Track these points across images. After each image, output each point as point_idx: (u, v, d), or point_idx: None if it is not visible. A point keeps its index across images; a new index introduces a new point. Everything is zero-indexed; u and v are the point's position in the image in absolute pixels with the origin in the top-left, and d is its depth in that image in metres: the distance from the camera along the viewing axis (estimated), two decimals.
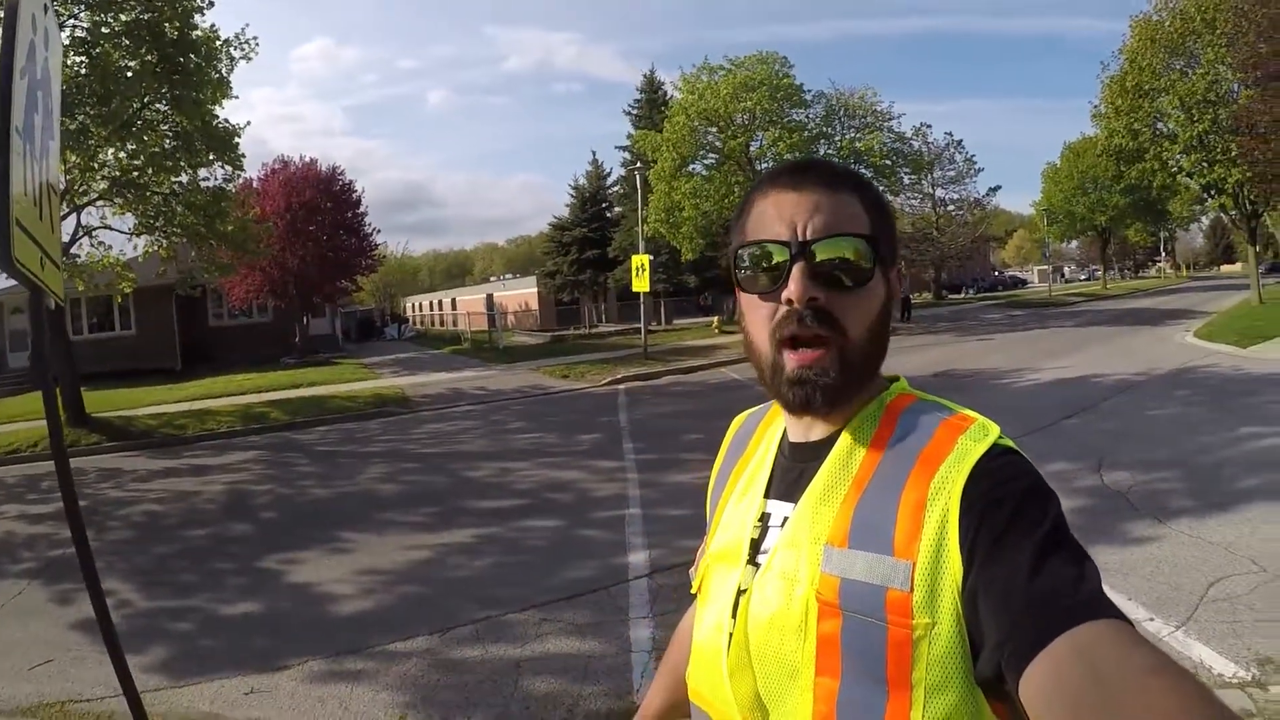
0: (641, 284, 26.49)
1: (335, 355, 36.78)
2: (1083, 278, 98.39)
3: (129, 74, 15.77)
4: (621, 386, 20.98)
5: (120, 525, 10.10)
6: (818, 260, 1.14)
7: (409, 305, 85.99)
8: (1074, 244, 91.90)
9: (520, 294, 60.53)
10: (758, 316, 1.20)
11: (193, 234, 18.94)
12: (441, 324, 67.89)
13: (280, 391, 22.81)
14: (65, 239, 17.70)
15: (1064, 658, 0.85)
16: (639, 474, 10.62)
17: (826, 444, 1.20)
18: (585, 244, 54.83)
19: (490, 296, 60.37)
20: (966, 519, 1.01)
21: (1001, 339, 26.33)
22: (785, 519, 1.21)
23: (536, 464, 11.94)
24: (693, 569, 1.44)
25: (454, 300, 71.21)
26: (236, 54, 18.27)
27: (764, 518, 1.26)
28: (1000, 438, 1.10)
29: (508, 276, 77.93)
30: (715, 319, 41.83)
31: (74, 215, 17.97)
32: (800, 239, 1.14)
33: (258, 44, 18.57)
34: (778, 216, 1.17)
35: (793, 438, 1.28)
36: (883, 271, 1.19)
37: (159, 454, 15.27)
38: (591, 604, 6.39)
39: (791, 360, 1.15)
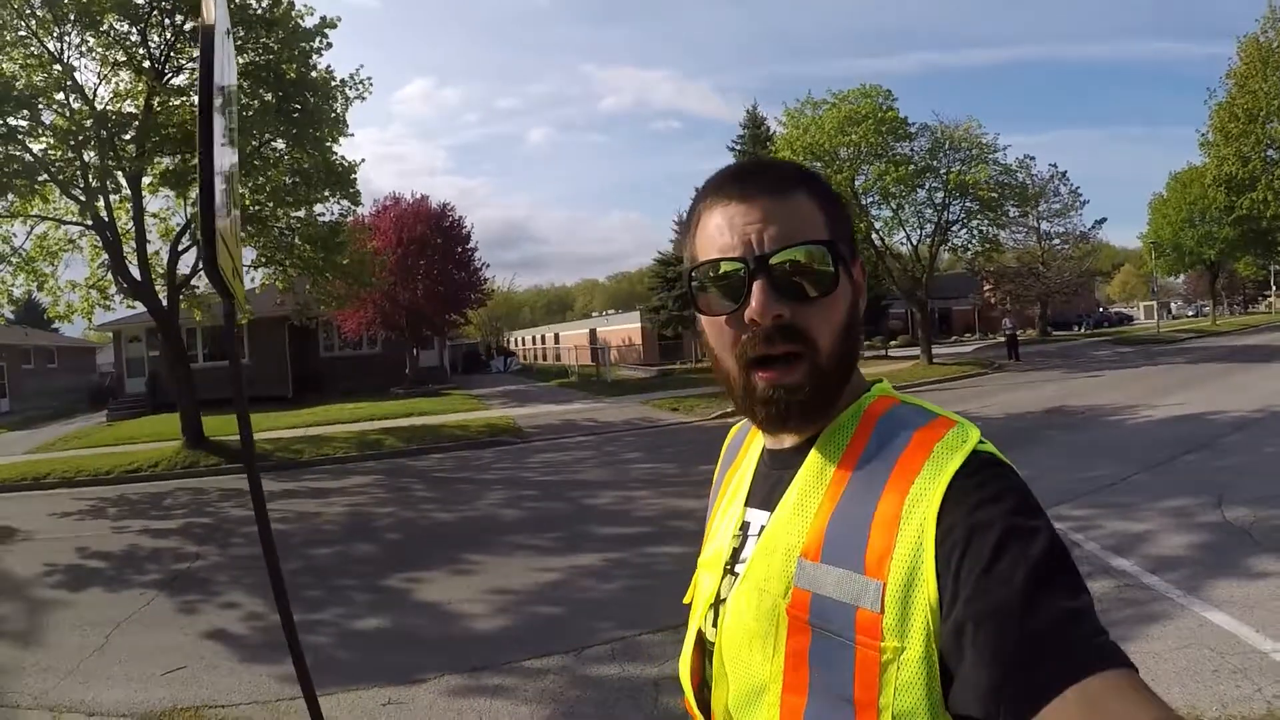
0: None
1: (444, 386, 37.21)
2: (1190, 313, 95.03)
3: (248, 113, 16.20)
4: (732, 420, 20.44)
5: (244, 542, 10.21)
6: (777, 274, 1.07)
7: (513, 339, 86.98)
8: (1181, 279, 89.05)
9: (623, 329, 60.76)
10: (722, 338, 1.13)
11: (311, 266, 19.46)
12: (545, 358, 68.60)
13: (393, 420, 23.11)
14: (186, 271, 18.27)
15: (1074, 712, 0.79)
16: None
17: (801, 450, 1.15)
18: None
19: (594, 331, 60.92)
20: (946, 543, 0.94)
21: (1112, 376, 25.34)
22: (762, 528, 1.16)
23: (657, 493, 11.81)
24: None
25: (557, 335, 71.96)
26: (351, 94, 18.79)
27: (744, 526, 1.23)
28: (980, 444, 1.02)
29: (610, 312, 78.44)
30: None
31: (195, 248, 18.54)
32: (756, 253, 1.07)
33: (371, 84, 19.06)
34: (729, 230, 1.10)
35: (769, 445, 1.23)
36: (845, 271, 1.12)
37: (277, 476, 15.49)
38: None
39: (762, 380, 1.10)
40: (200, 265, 18.73)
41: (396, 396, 31.72)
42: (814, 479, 1.09)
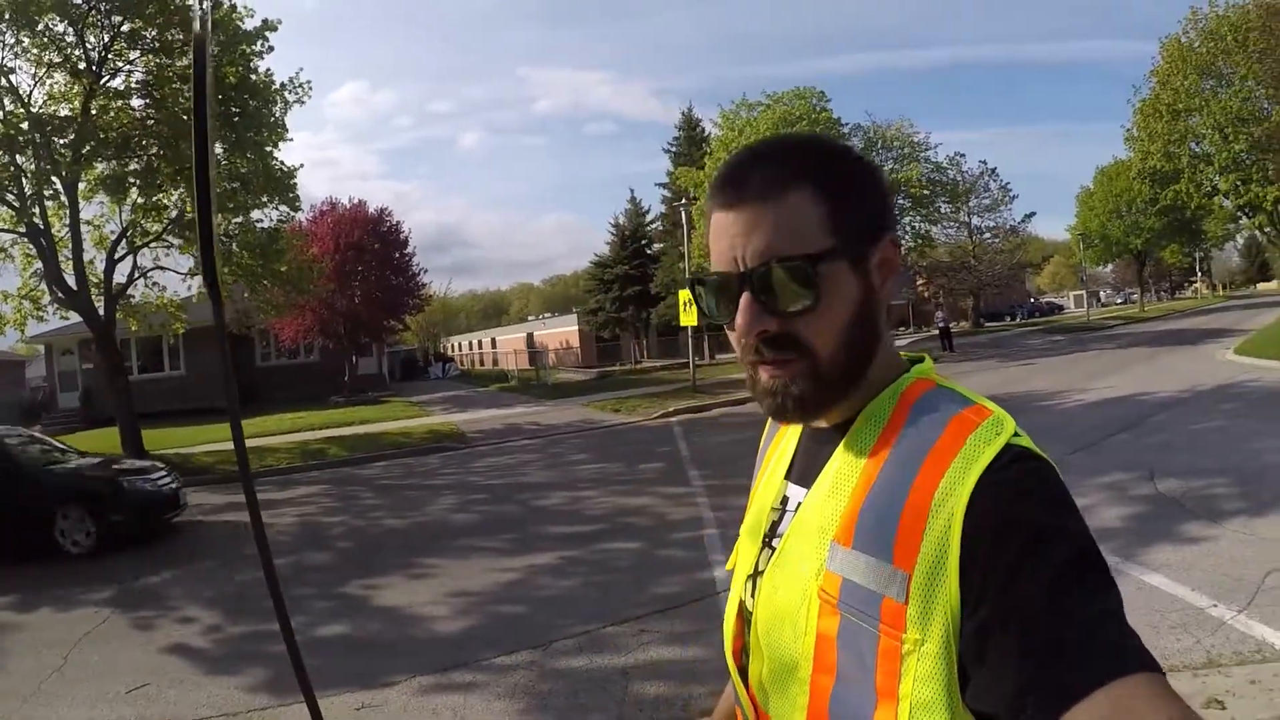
0: (689, 318, 26.40)
1: (383, 394, 37.04)
2: (1119, 301, 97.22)
3: (187, 117, 15.99)
4: (674, 419, 20.81)
5: (195, 556, 10.13)
6: (761, 289, 1.04)
7: (451, 345, 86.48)
8: (1109, 268, 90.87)
9: (560, 332, 60.84)
10: (731, 337, 1.12)
11: (249, 274, 19.19)
12: (483, 363, 68.31)
13: (335, 429, 22.98)
14: (122, 279, 17.98)
15: (1102, 715, 0.79)
16: (709, 498, 10.57)
17: (839, 429, 1.14)
18: (627, 281, 55.02)
19: (531, 335, 60.77)
20: (972, 540, 0.92)
21: (1044, 363, 26.11)
22: (799, 504, 1.17)
23: (605, 492, 11.94)
24: None
25: (494, 340, 71.81)
26: (291, 97, 18.59)
27: (784, 501, 1.23)
28: (1014, 436, 1.00)
29: (546, 315, 78.43)
30: None
31: (131, 256, 18.27)
32: (740, 270, 1.05)
33: (310, 88, 18.89)
34: (721, 240, 1.08)
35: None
36: (852, 265, 1.07)
37: (220, 489, 15.31)
38: (686, 615, 6.37)
39: (764, 373, 1.10)
40: (134, 274, 18.56)
41: (336, 405, 31.56)
42: (849, 462, 1.08)
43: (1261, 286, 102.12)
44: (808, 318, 1.05)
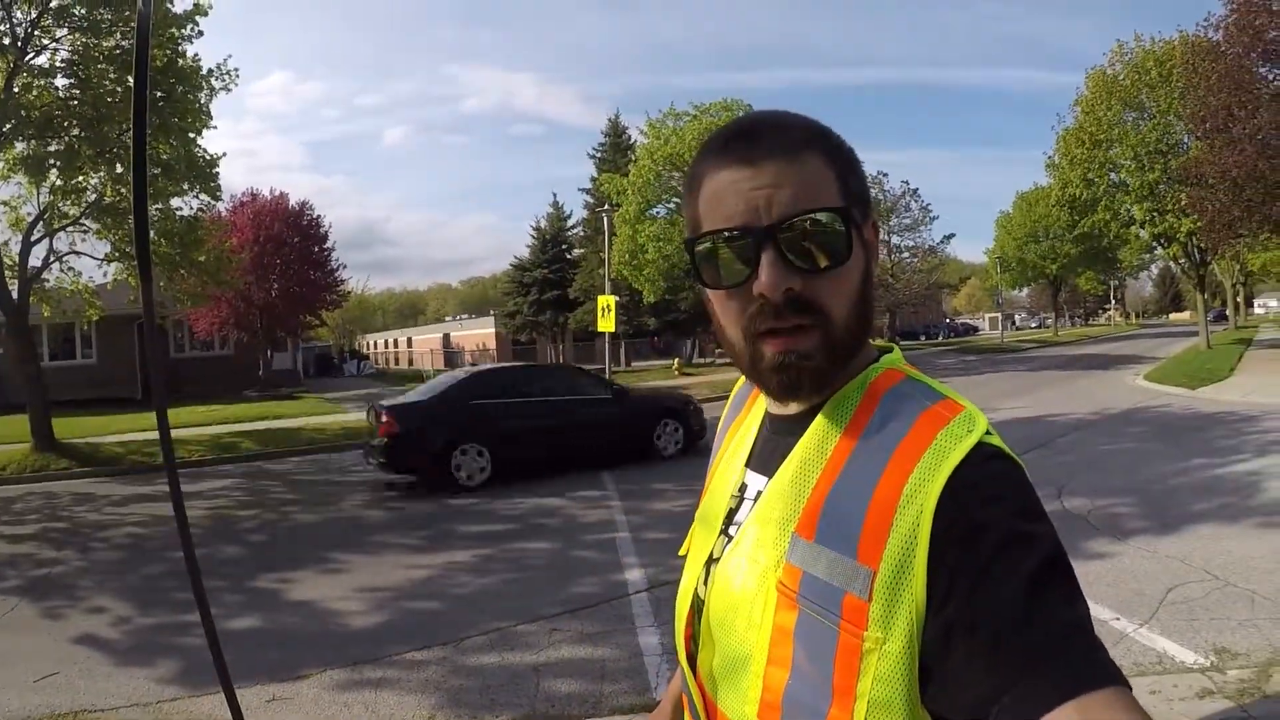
0: (607, 324, 26.59)
1: (297, 390, 36.35)
2: (1033, 325, 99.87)
3: (113, 99, 15.75)
4: None
5: (105, 547, 10.02)
6: (787, 244, 1.00)
7: (366, 343, 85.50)
8: (1025, 292, 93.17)
9: (477, 334, 60.61)
10: (729, 311, 1.06)
11: (167, 262, 18.78)
12: (398, 362, 67.70)
13: (248, 423, 22.67)
14: (37, 263, 17.56)
15: None
16: (622, 501, 10.82)
17: (803, 419, 1.10)
18: (546, 285, 54.93)
19: (448, 335, 60.33)
20: (941, 540, 0.90)
21: (956, 382, 26.49)
22: (759, 493, 1.13)
23: (521, 492, 12.01)
24: None
25: (410, 339, 71.33)
26: (218, 84, 18.25)
27: (742, 488, 1.20)
28: (986, 434, 0.97)
29: (464, 316, 77.98)
30: (676, 360, 42.85)
31: (47, 239, 17.84)
32: (765, 223, 1.00)
33: (238, 75, 18.58)
34: (735, 196, 1.01)
35: (771, 409, 1.20)
36: (859, 236, 1.05)
37: (130, 480, 15.10)
38: (597, 616, 6.52)
39: (771, 347, 1.03)
40: (50, 258, 18.08)
41: (250, 399, 31.11)
42: (814, 452, 1.06)
43: (1174, 316, 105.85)
44: (829, 279, 1.02)
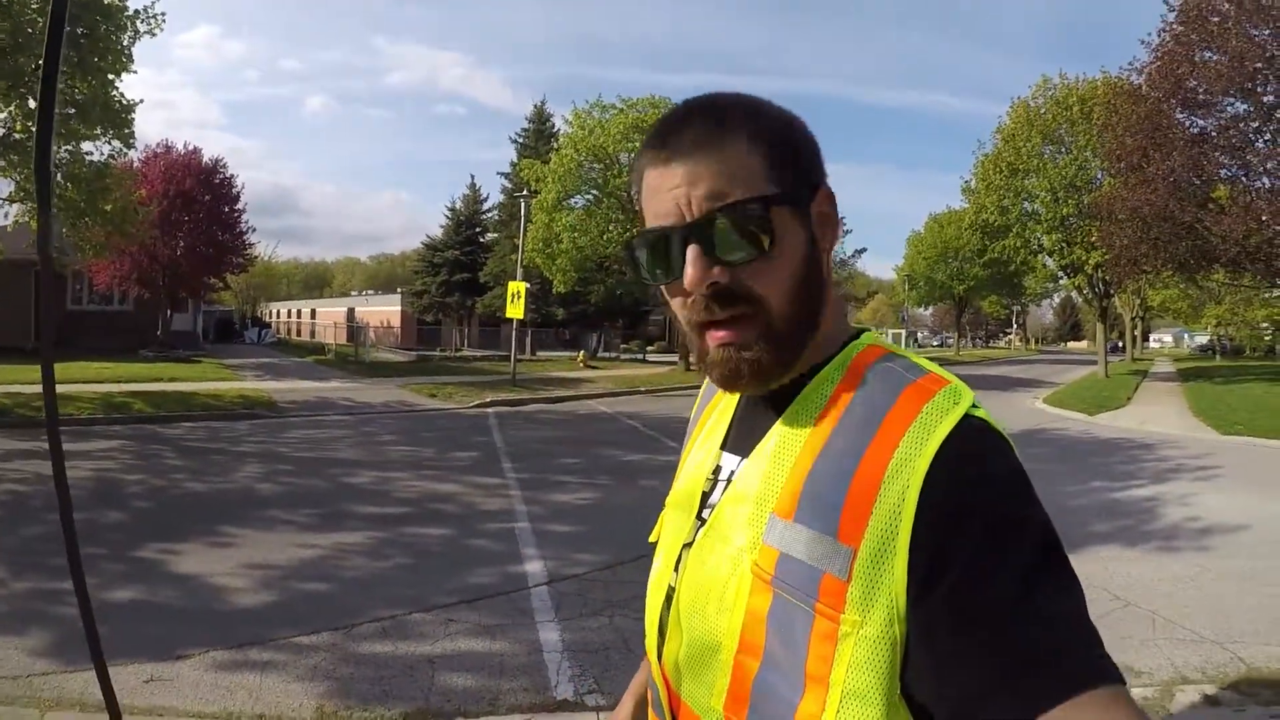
0: (516, 310, 26.56)
1: (195, 353, 35.46)
2: (935, 343, 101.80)
3: (30, 30, 15.11)
4: (490, 410, 20.87)
5: None
6: (708, 238, 1.00)
7: (269, 311, 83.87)
8: (929, 310, 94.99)
9: (382, 310, 59.86)
10: (675, 304, 1.08)
11: (72, 208, 18.17)
12: (300, 333, 66.57)
13: (142, 384, 21.90)
14: None
15: None
16: (521, 491, 10.67)
17: (781, 397, 1.09)
18: (456, 266, 54.58)
19: (353, 310, 59.60)
20: (926, 517, 0.88)
21: None
22: (733, 473, 1.13)
23: (416, 475, 11.82)
24: None
25: (314, 311, 70.16)
26: (142, 27, 17.70)
27: (716, 470, 1.18)
28: (973, 408, 0.96)
29: (370, 292, 77.01)
30: (580, 353, 43.11)
31: None
32: (687, 219, 1.01)
33: (164, 19, 18.03)
34: (659, 194, 1.03)
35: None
36: (796, 213, 1.04)
37: (14, 435, 14.45)
38: (494, 608, 6.39)
39: (712, 339, 1.05)
40: None
41: (146, 359, 30.11)
42: (794, 430, 1.04)
43: (1071, 344, 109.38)
44: (759, 267, 1.01)
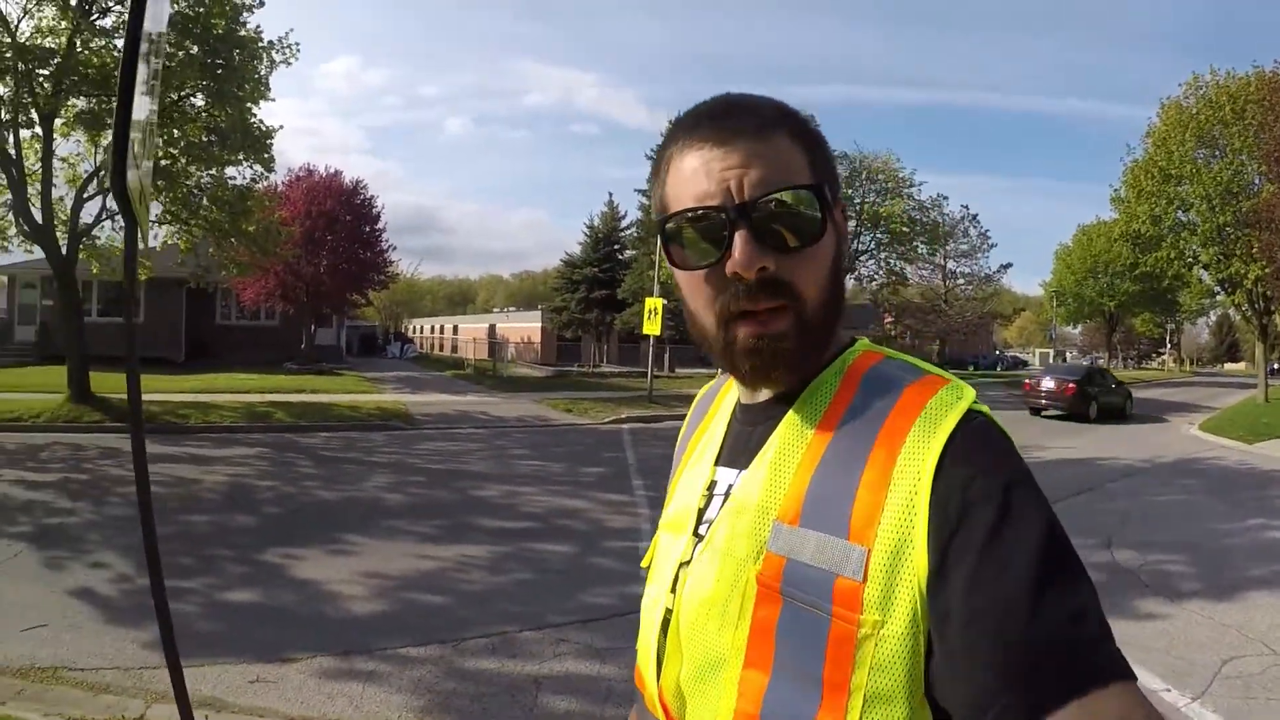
0: (653, 327, 26.42)
1: (338, 366, 36.58)
2: (1085, 363, 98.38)
3: (171, 63, 15.77)
4: (625, 426, 20.74)
5: (120, 502, 9.88)
6: (760, 223, 0.98)
7: (412, 326, 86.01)
8: (1078, 329, 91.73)
9: (523, 327, 60.58)
10: (700, 293, 1.05)
11: (216, 229, 19.04)
12: (442, 348, 67.98)
13: (284, 394, 22.60)
14: (89, 219, 17.69)
15: None
16: (650, 510, 10.43)
17: (778, 405, 1.08)
18: (595, 283, 54.75)
19: (494, 326, 60.49)
20: (940, 511, 0.87)
21: (1002, 416, 25.40)
22: (730, 486, 1.09)
23: (544, 490, 11.77)
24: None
25: (456, 326, 71.52)
26: (277, 57, 18.46)
27: (711, 486, 1.14)
28: (975, 403, 0.96)
29: (511, 309, 78.12)
30: (718, 370, 42.31)
31: (100, 197, 18.01)
32: (737, 201, 0.98)
33: (298, 50, 18.73)
34: (706, 176, 1.00)
35: (743, 399, 1.17)
36: (830, 217, 1.04)
37: (160, 440, 14.96)
38: (609, 630, 6.21)
39: (744, 330, 1.02)
40: (103, 215, 18.29)
41: (290, 372, 31.09)
42: (794, 437, 1.02)
43: (1228, 366, 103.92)
44: (801, 260, 1.01)
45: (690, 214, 1.01)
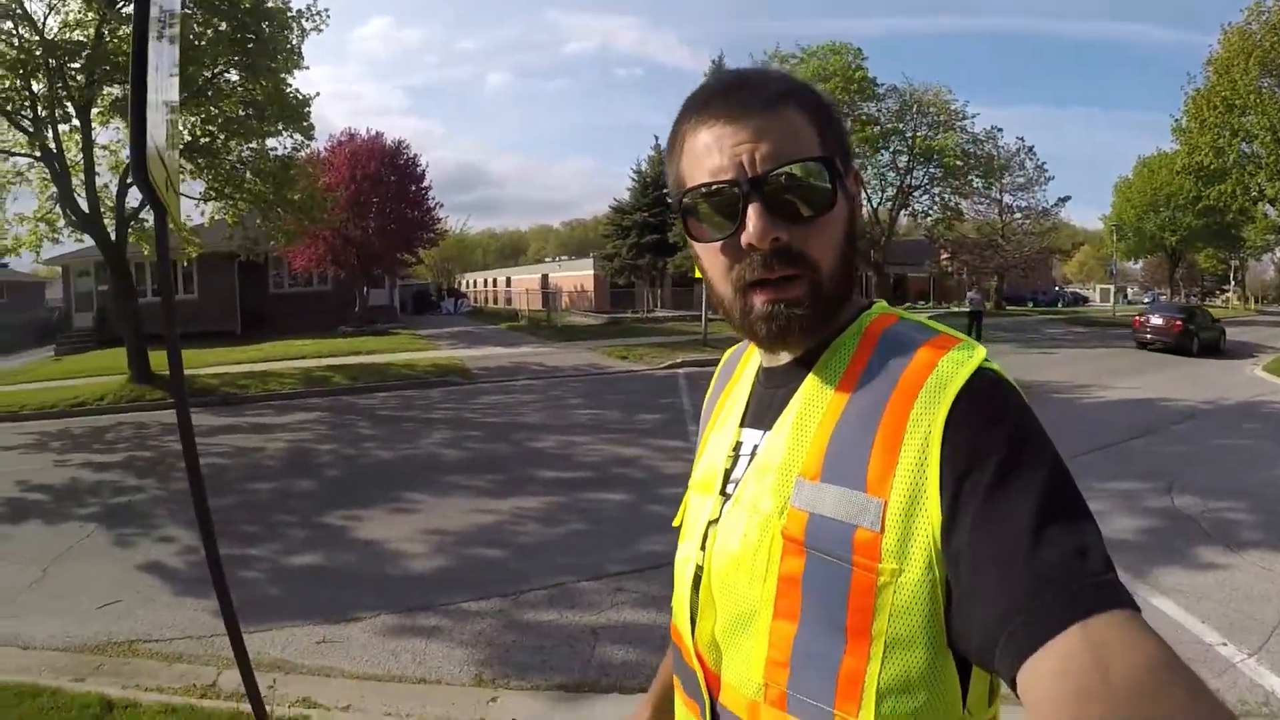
0: None
1: (392, 326, 36.84)
2: (1146, 300, 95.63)
3: (201, 42, 15.85)
4: (680, 370, 20.72)
5: (184, 477, 10.06)
6: (772, 195, 1.02)
7: (465, 281, 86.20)
8: (1139, 264, 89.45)
9: (576, 275, 60.38)
10: (717, 264, 1.08)
11: (261, 201, 19.21)
12: (496, 301, 68.15)
13: (340, 357, 22.89)
14: (135, 204, 17.96)
15: (1074, 652, 0.76)
16: None
17: (799, 368, 1.12)
18: (645, 228, 54.24)
19: (546, 276, 60.38)
20: (950, 462, 0.91)
21: (1065, 354, 25.55)
22: (755, 447, 1.14)
23: (600, 439, 11.85)
24: None
25: (509, 279, 71.36)
26: (308, 25, 18.44)
27: (737, 447, 1.19)
28: (986, 361, 0.99)
29: (563, 258, 77.82)
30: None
31: None
32: (750, 175, 1.02)
33: (328, 17, 18.71)
34: (719, 151, 1.04)
35: (765, 363, 1.20)
36: (841, 186, 1.07)
37: (221, 412, 15.32)
38: (666, 577, 6.15)
39: (760, 298, 1.06)
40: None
41: (345, 335, 31.44)
42: (814, 397, 1.07)
43: None
44: (814, 229, 1.04)
45: (705, 189, 1.05)
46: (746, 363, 1.31)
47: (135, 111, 2.82)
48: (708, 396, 1.41)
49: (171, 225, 3.62)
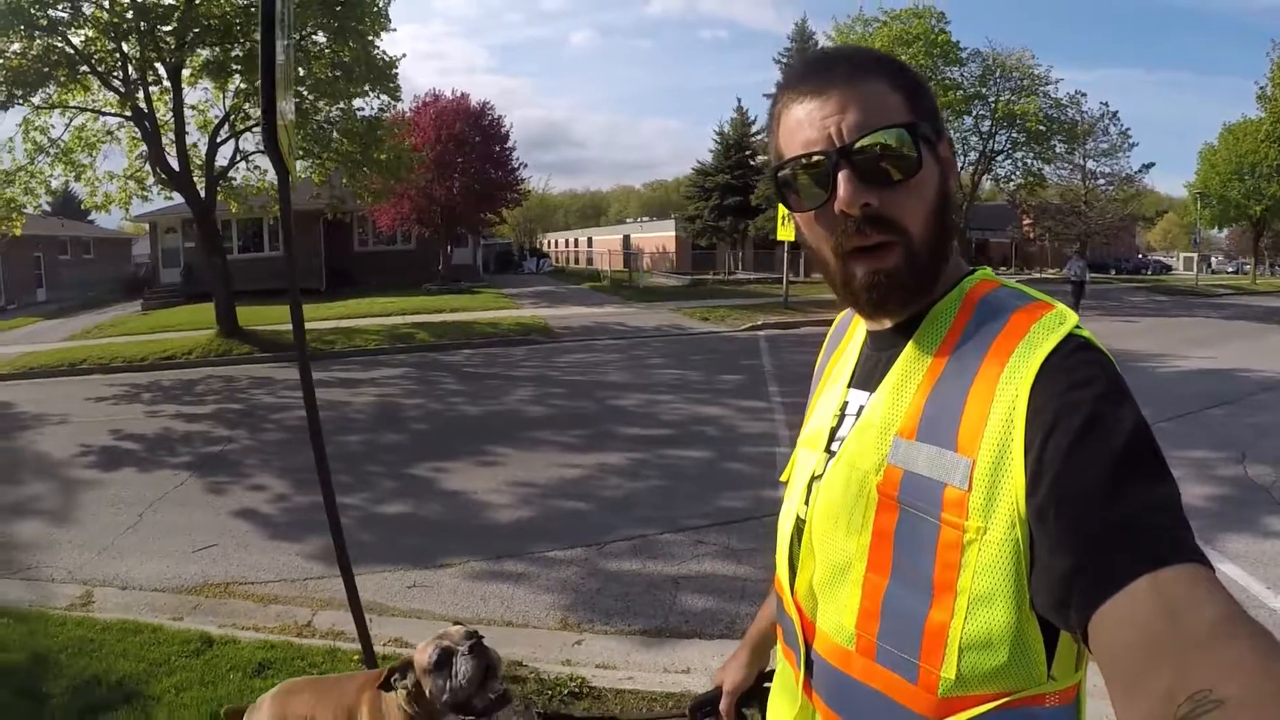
0: (786, 233, 25.82)
1: (475, 285, 37.05)
2: (1230, 270, 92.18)
3: (293, 4, 16.07)
4: (761, 333, 20.57)
5: (275, 428, 10.40)
6: (861, 163, 1.05)
7: (547, 241, 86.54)
8: (1224, 233, 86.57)
9: (657, 237, 60.25)
10: (817, 233, 1.13)
11: (348, 160, 19.46)
12: (577, 261, 68.24)
13: (424, 315, 23.17)
14: (224, 163, 18.30)
15: (1144, 601, 0.79)
16: (785, 415, 10.34)
17: (903, 332, 1.15)
18: (727, 190, 53.89)
19: (628, 237, 60.31)
20: (1035, 422, 0.93)
21: (1147, 323, 24.64)
22: (861, 408, 1.18)
23: (682, 398, 11.84)
24: None
25: (590, 239, 71.43)
26: None
27: (843, 407, 1.24)
28: (1077, 328, 1.01)
29: (644, 219, 77.59)
30: None
31: (233, 140, 18.60)
32: (838, 144, 1.06)
33: None
34: (809, 125, 1.08)
35: (870, 328, 1.24)
36: (931, 152, 1.11)
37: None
38: (744, 531, 6.26)
39: (861, 268, 1.10)
40: (236, 158, 18.91)
41: (429, 293, 31.73)
42: (914, 360, 1.10)
43: None
44: (903, 195, 1.07)
45: (798, 161, 1.09)
46: (856, 326, 1.33)
47: (265, 77, 2.92)
48: (819, 359, 1.45)
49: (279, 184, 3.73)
